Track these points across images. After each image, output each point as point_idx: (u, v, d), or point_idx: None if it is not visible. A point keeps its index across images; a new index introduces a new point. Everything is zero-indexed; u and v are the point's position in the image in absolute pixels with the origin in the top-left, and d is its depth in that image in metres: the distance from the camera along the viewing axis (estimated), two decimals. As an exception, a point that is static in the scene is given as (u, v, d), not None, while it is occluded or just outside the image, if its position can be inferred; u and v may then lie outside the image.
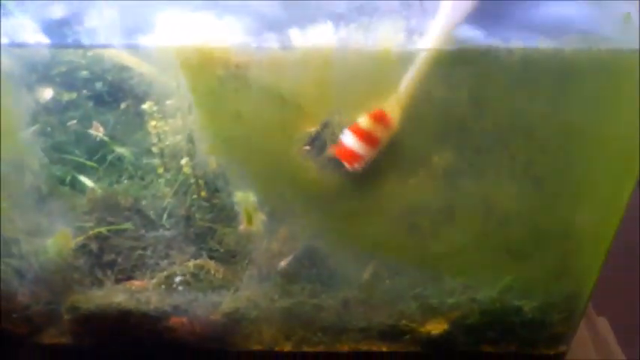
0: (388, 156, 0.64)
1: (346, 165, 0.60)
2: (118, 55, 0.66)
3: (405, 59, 0.57)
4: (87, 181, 0.72)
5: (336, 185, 0.64)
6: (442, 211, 0.65)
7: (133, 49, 0.61)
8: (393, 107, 0.58)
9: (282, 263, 0.68)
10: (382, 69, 0.57)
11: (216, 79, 0.53)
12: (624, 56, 0.55)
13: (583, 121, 0.59)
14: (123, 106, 0.74)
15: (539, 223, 0.66)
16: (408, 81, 0.58)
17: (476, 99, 0.57)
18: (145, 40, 0.58)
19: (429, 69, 0.57)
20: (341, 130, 0.63)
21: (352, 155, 0.59)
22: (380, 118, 0.58)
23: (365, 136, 0.58)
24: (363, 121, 0.58)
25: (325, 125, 0.64)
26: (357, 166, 0.60)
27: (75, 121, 0.72)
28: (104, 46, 0.62)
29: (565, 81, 0.56)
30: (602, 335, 0.95)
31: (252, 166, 0.61)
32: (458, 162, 0.63)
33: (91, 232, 0.68)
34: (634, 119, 0.57)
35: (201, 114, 0.58)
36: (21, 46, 0.60)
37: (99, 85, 0.73)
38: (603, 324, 0.98)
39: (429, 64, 0.57)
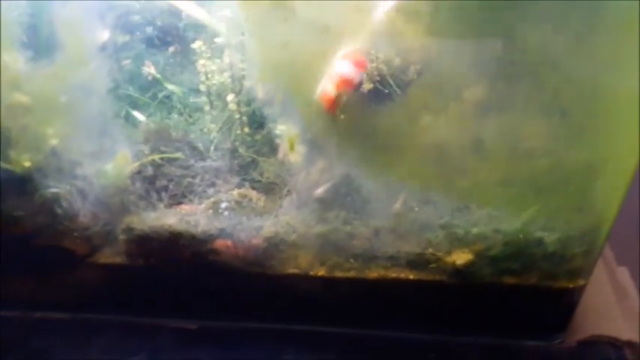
0: (421, 90, 0.69)
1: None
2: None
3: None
4: (140, 116, 0.79)
5: (371, 118, 0.69)
6: (471, 143, 0.69)
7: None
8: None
9: (319, 190, 0.73)
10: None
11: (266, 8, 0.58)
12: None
13: (607, 54, 0.63)
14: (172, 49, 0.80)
15: (562, 156, 0.69)
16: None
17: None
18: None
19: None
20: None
21: (333, 102, 0.65)
22: (359, 64, 0.63)
23: (346, 82, 0.64)
24: (344, 67, 0.62)
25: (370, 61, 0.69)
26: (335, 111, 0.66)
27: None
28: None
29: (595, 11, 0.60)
30: (623, 284, 0.98)
31: (296, 93, 0.66)
32: (487, 96, 0.67)
33: (145, 159, 0.74)
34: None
35: (254, 43, 0.63)
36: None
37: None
38: (623, 273, 1.01)
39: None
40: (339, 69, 0.62)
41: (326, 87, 0.62)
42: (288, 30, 0.59)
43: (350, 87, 0.62)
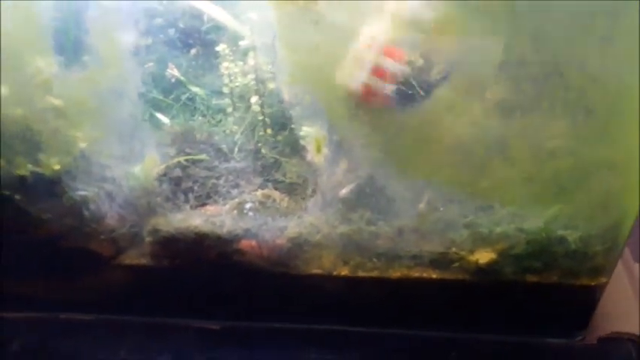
0: (444, 90, 0.69)
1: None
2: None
3: None
4: (163, 118, 0.79)
5: (396, 118, 0.70)
6: (494, 143, 0.70)
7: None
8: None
9: (344, 191, 0.74)
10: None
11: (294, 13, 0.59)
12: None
13: (629, 54, 0.63)
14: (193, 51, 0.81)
15: (585, 154, 0.70)
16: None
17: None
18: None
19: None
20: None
21: (374, 94, 0.64)
22: (392, 54, 0.62)
23: (384, 74, 0.63)
24: (380, 59, 0.62)
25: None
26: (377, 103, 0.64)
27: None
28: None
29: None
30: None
31: (324, 96, 0.67)
32: (510, 97, 0.68)
33: (171, 161, 0.75)
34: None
35: (282, 45, 0.64)
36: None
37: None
38: (640, 269, 1.02)
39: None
40: (380, 62, 0.61)
41: (363, 78, 0.61)
42: (317, 33, 0.60)
43: (392, 80, 0.62)
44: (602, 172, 0.72)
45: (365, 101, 0.64)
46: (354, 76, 0.62)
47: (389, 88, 0.64)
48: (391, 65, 0.62)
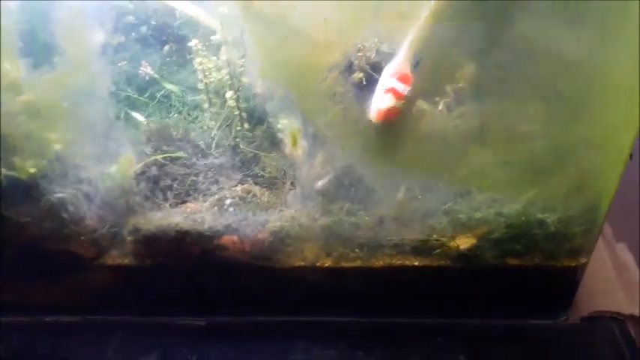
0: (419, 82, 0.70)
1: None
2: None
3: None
4: (139, 117, 0.79)
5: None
6: (469, 129, 0.70)
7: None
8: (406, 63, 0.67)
9: (320, 183, 0.74)
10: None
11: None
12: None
13: (599, 40, 0.63)
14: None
15: (559, 139, 0.70)
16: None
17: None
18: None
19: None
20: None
21: (393, 113, 0.67)
22: (405, 79, 0.67)
23: (397, 95, 0.67)
24: (393, 83, 0.67)
25: (358, 51, 0.69)
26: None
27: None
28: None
29: None
30: (622, 260, 1.00)
31: (296, 88, 0.67)
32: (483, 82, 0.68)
33: (148, 160, 0.75)
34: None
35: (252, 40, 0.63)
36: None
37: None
38: (623, 249, 1.03)
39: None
40: (390, 84, 0.66)
41: (380, 103, 0.67)
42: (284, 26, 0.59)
43: (401, 99, 0.67)
44: (578, 154, 0.72)
45: (381, 119, 0.67)
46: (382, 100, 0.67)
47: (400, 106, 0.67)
48: (405, 89, 0.67)
